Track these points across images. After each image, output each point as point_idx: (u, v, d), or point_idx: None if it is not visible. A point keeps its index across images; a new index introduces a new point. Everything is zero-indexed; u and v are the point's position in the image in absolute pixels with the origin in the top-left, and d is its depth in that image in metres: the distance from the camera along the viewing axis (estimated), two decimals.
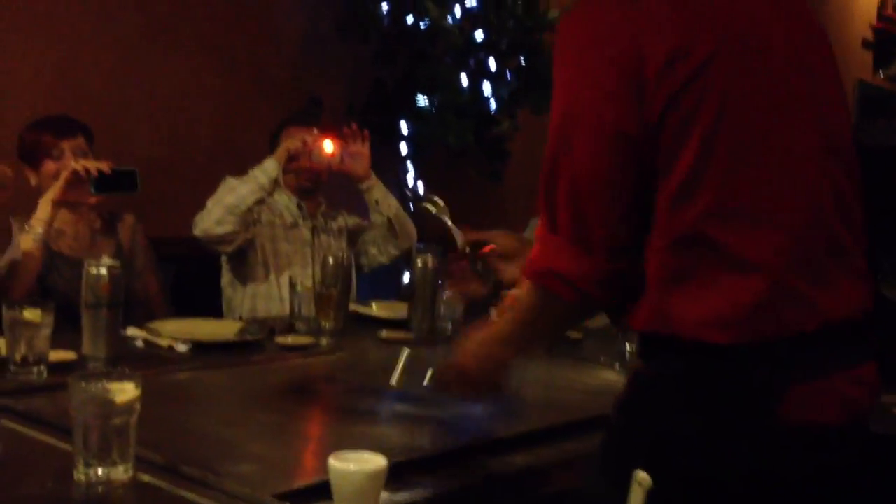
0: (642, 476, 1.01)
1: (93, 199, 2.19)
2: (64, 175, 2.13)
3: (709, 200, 1.04)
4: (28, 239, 2.09)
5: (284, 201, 2.68)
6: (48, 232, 2.12)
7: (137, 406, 1.08)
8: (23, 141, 2.31)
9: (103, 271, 1.68)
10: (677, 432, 1.06)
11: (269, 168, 2.50)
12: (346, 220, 2.79)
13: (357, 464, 1.03)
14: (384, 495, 1.06)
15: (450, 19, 3.31)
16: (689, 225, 1.05)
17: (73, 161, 2.19)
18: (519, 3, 3.51)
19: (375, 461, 1.04)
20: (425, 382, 1.36)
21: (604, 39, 1.06)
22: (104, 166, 2.12)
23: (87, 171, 2.11)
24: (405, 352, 1.48)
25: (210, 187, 2.53)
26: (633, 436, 1.11)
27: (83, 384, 1.07)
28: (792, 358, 1.04)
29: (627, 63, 1.04)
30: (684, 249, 1.06)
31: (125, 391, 1.08)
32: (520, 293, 1.23)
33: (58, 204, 2.12)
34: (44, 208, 2.11)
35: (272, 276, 2.61)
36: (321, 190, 2.75)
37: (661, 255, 1.07)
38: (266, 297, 2.60)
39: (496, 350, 1.26)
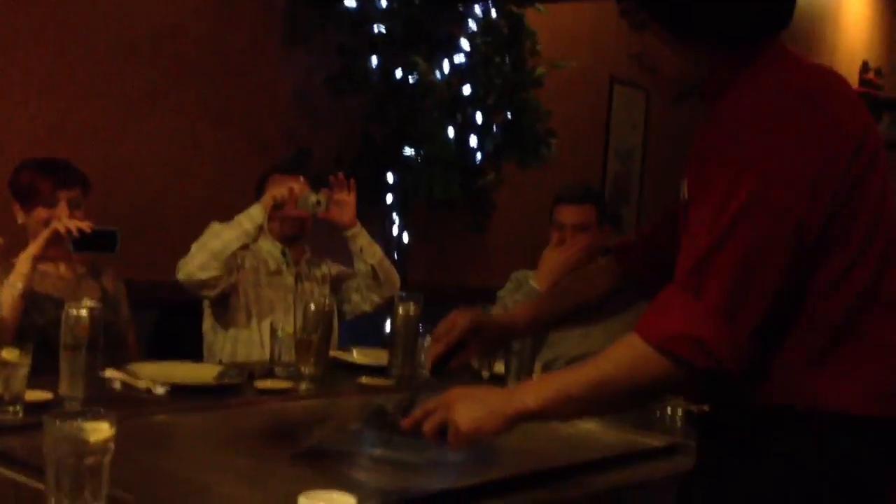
0: None
1: (73, 257, 2.23)
2: (44, 234, 2.16)
3: (863, 286, 1.15)
4: (7, 294, 2.11)
5: (268, 248, 2.70)
6: (27, 287, 2.14)
7: (111, 446, 1.08)
8: (19, 178, 2.31)
9: (83, 313, 1.69)
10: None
11: (254, 214, 2.52)
12: (329, 268, 2.81)
13: (326, 503, 1.04)
14: None
15: (438, 74, 3.38)
16: (842, 307, 1.15)
17: (58, 216, 2.21)
18: (507, 60, 3.59)
19: (345, 501, 1.05)
20: None
21: (795, 137, 1.12)
22: (85, 226, 2.14)
23: (69, 230, 2.14)
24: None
25: (196, 234, 2.54)
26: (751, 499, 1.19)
27: (57, 423, 1.07)
28: None
29: (817, 158, 1.12)
30: (834, 329, 1.15)
31: (99, 430, 1.08)
32: (613, 351, 1.19)
33: (37, 259, 2.15)
34: (24, 264, 2.14)
35: (254, 322, 2.62)
36: (306, 237, 2.78)
37: (807, 334, 1.16)
38: (247, 342, 2.60)
39: (568, 398, 1.21)
